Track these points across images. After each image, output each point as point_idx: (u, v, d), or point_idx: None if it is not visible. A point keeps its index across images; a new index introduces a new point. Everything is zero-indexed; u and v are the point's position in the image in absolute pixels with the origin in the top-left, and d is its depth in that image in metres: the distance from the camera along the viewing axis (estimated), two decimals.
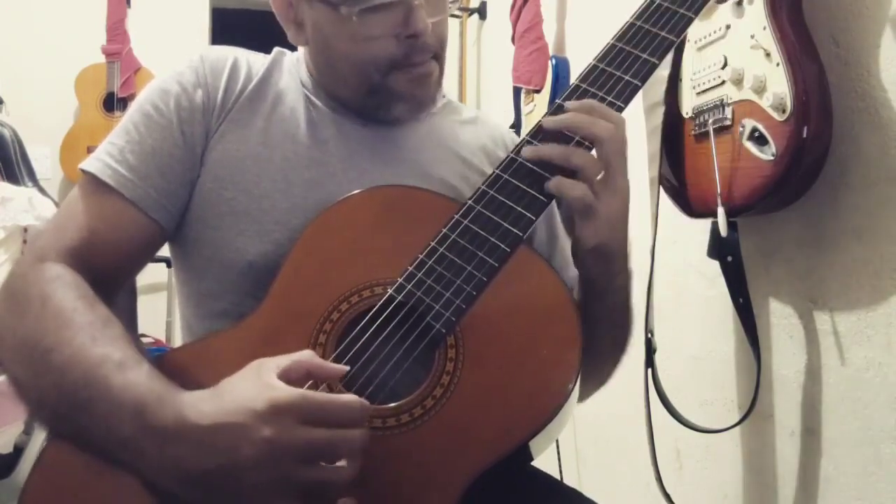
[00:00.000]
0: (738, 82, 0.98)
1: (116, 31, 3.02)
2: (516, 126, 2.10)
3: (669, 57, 1.07)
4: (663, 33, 0.76)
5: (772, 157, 0.92)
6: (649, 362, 1.15)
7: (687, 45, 1.10)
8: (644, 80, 0.75)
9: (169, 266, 2.48)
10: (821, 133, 0.92)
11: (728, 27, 1.01)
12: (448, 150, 0.89)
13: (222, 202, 0.79)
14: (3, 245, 1.86)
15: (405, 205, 0.77)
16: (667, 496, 1.17)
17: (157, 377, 0.62)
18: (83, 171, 0.78)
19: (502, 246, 0.70)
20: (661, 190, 1.13)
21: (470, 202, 0.73)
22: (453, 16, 2.83)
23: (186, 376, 0.65)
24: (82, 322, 0.66)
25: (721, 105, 1.01)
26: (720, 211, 1.00)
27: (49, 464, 0.69)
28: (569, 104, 0.74)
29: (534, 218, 0.71)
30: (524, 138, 0.75)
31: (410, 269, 0.70)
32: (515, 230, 0.70)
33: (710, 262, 1.08)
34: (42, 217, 1.94)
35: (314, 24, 0.82)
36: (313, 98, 0.87)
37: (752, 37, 0.95)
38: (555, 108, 0.76)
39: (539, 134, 0.75)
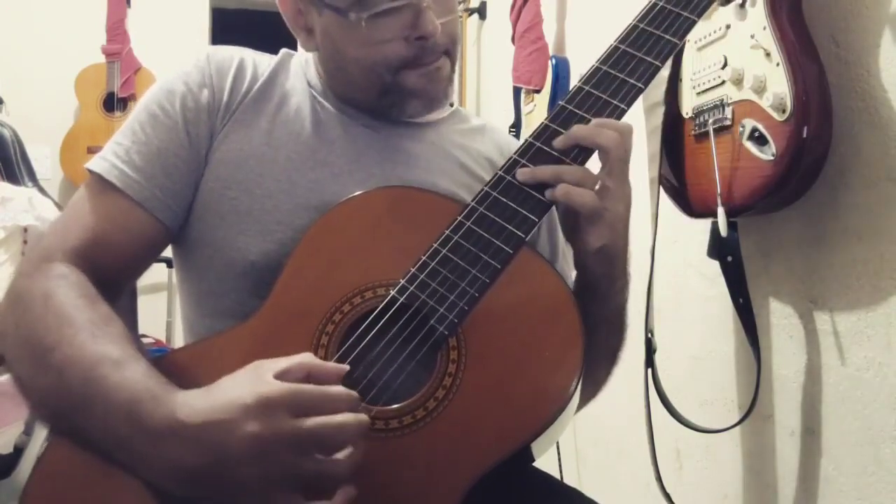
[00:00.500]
0: (738, 82, 0.98)
1: (116, 31, 3.02)
2: (516, 126, 2.10)
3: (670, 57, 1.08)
4: (667, 36, 0.76)
5: (772, 157, 0.93)
6: (649, 362, 1.15)
7: (687, 45, 1.10)
8: (647, 82, 0.75)
9: (169, 266, 2.48)
10: (821, 133, 0.92)
11: (728, 27, 1.01)
12: (453, 158, 0.89)
13: (225, 201, 0.79)
14: (3, 245, 1.86)
15: (408, 206, 0.77)
16: (667, 496, 1.17)
17: (154, 375, 0.62)
18: (89, 170, 0.79)
19: (505, 248, 0.70)
20: (661, 190, 1.14)
21: (473, 204, 0.73)
22: None
23: (187, 377, 0.65)
24: (83, 320, 0.66)
25: (721, 105, 1.01)
26: (720, 211, 1.00)
27: (49, 464, 0.69)
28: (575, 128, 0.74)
29: (536, 220, 0.71)
30: (527, 140, 0.75)
31: (413, 270, 0.70)
32: (518, 232, 0.70)
33: (710, 262, 1.08)
34: (42, 217, 1.94)
35: (323, 31, 0.82)
36: (321, 99, 0.87)
37: (753, 37, 0.95)
38: (557, 111, 0.76)
39: (535, 148, 0.74)
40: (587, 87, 0.76)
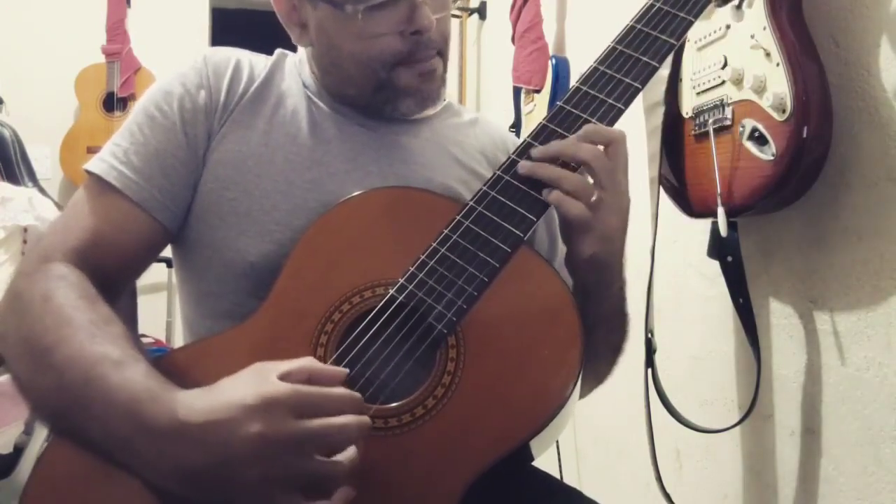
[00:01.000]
0: (738, 82, 0.98)
1: (116, 31, 3.02)
2: (516, 126, 2.10)
3: (669, 57, 1.08)
4: (664, 37, 0.76)
5: (772, 157, 0.93)
6: (649, 362, 1.15)
7: (687, 45, 1.10)
8: (644, 82, 0.75)
9: (169, 266, 2.48)
10: (821, 133, 0.92)
11: (728, 27, 1.01)
12: (448, 152, 0.89)
13: (224, 202, 0.80)
14: (3, 245, 1.86)
15: (406, 206, 0.77)
16: (667, 496, 1.17)
17: (154, 375, 0.62)
18: (88, 171, 0.79)
19: (503, 247, 0.70)
20: (661, 190, 1.14)
21: (471, 203, 0.73)
22: (453, 16, 2.83)
23: (187, 377, 0.65)
24: (83, 320, 0.66)
25: (721, 105, 1.01)
26: (720, 211, 1.00)
27: (49, 464, 0.69)
28: (546, 146, 0.73)
29: (535, 219, 0.71)
30: (525, 140, 0.75)
31: (412, 269, 0.71)
32: (516, 231, 0.71)
33: (710, 262, 1.08)
34: (42, 217, 1.93)
35: (318, 25, 0.82)
36: (315, 99, 0.87)
37: (752, 37, 0.95)
38: (556, 111, 0.76)
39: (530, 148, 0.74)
40: (585, 88, 0.76)
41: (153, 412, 0.59)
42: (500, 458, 0.65)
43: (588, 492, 0.85)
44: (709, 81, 1.04)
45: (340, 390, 0.60)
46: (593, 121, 0.74)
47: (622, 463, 1.59)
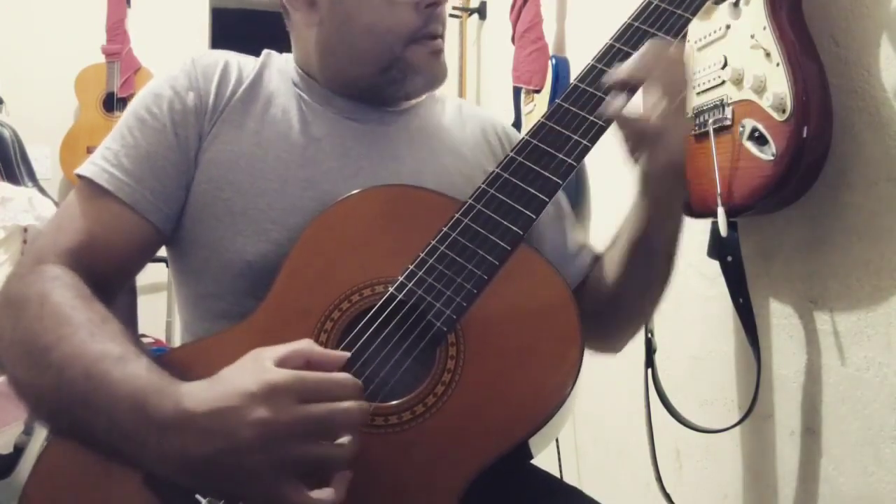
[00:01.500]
0: (738, 82, 0.98)
1: (116, 31, 3.02)
2: (516, 126, 2.10)
3: None
4: (661, 34, 0.76)
5: (772, 157, 0.93)
6: (649, 362, 1.16)
7: (687, 45, 1.10)
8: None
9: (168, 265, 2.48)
10: (821, 133, 0.92)
11: (728, 27, 1.01)
12: (438, 142, 0.90)
13: (218, 203, 0.80)
14: (3, 245, 1.86)
15: (405, 204, 0.77)
16: (667, 496, 1.17)
17: (156, 370, 0.63)
18: (79, 176, 0.79)
19: (502, 244, 0.70)
20: None
21: (470, 201, 0.73)
22: (453, 16, 2.84)
23: (187, 375, 0.65)
24: (81, 319, 0.66)
25: (721, 105, 1.01)
26: (720, 211, 1.00)
27: (49, 464, 0.69)
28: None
29: (534, 216, 0.71)
30: (524, 137, 0.76)
31: (411, 267, 0.71)
32: (515, 228, 0.71)
33: (710, 262, 1.08)
34: (42, 217, 1.94)
35: (332, 0, 0.83)
36: (305, 97, 0.87)
37: (752, 37, 0.95)
38: (553, 109, 0.76)
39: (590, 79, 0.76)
40: (583, 86, 0.76)
41: (157, 404, 0.59)
42: (500, 455, 0.65)
43: (588, 491, 0.85)
44: (709, 81, 1.04)
45: (342, 375, 0.61)
46: (593, 119, 0.74)
47: (622, 463, 1.59)
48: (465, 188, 0.76)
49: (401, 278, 0.70)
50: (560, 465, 1.71)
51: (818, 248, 0.98)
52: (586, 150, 0.73)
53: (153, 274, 2.85)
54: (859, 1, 0.92)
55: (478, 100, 2.94)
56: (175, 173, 0.80)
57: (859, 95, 0.92)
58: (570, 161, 0.73)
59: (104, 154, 0.79)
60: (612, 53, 0.76)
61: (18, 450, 1.67)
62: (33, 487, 0.68)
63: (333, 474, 0.60)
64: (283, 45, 0.95)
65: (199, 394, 0.59)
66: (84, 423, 0.62)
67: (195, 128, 0.81)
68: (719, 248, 1.05)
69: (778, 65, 0.92)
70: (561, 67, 1.87)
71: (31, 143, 2.38)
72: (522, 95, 2.07)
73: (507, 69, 2.13)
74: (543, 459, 0.77)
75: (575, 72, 1.83)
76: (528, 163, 0.74)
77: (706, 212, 1.05)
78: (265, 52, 0.92)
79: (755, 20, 0.96)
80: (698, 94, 1.07)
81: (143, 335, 2.62)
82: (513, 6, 2.10)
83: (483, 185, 0.74)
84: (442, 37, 0.86)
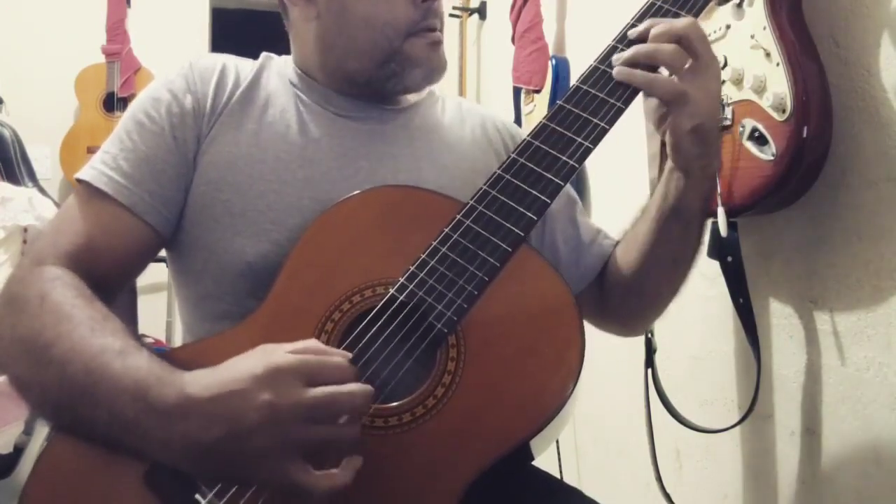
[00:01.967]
0: (738, 82, 0.98)
1: (116, 31, 3.02)
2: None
3: None
4: None
5: (772, 157, 0.93)
6: (649, 362, 1.16)
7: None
8: None
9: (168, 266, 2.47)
10: (821, 133, 0.92)
11: (728, 27, 1.01)
12: (437, 140, 0.90)
13: (217, 204, 0.80)
14: (3, 245, 1.86)
15: (407, 205, 0.77)
16: (667, 496, 1.17)
17: (157, 361, 0.63)
18: (78, 180, 0.79)
19: (504, 246, 0.70)
20: None
21: (472, 202, 0.73)
22: (453, 16, 2.84)
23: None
24: (81, 316, 0.66)
25: (721, 105, 1.01)
26: (720, 211, 1.00)
27: (49, 464, 0.69)
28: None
29: (535, 218, 0.71)
30: (525, 139, 0.75)
31: (412, 268, 0.71)
32: (517, 230, 0.71)
33: (710, 262, 1.08)
34: (42, 217, 1.94)
35: None
36: (304, 97, 0.87)
37: (752, 37, 0.95)
38: (555, 111, 0.76)
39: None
40: (585, 87, 0.76)
41: (159, 393, 0.60)
42: (501, 457, 0.65)
43: (588, 491, 0.85)
44: None
45: (343, 360, 0.62)
46: (595, 120, 0.74)
47: (622, 463, 1.59)
48: (466, 187, 0.76)
49: (401, 279, 0.70)
50: (560, 466, 1.71)
51: (818, 248, 0.98)
52: (588, 151, 0.73)
53: (153, 274, 2.83)
54: (859, 1, 0.92)
55: (478, 100, 2.94)
56: (174, 176, 0.80)
57: (859, 95, 0.92)
58: (571, 162, 0.73)
59: (103, 158, 0.80)
60: (614, 55, 0.76)
61: (18, 450, 1.67)
62: (33, 487, 0.68)
63: (341, 457, 0.60)
64: (282, 46, 0.95)
65: (202, 380, 0.60)
66: (86, 418, 0.62)
67: (193, 130, 0.82)
68: (719, 248, 1.05)
69: (778, 65, 0.92)
70: (561, 67, 1.87)
71: (31, 143, 2.38)
72: (522, 95, 2.07)
73: (507, 69, 2.13)
74: (543, 460, 0.77)
75: (575, 72, 1.84)
76: (529, 164, 0.74)
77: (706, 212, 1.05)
78: (263, 54, 0.92)
79: (755, 20, 0.96)
80: None
81: (143, 335, 2.61)
82: (513, 6, 2.10)
83: (485, 186, 0.74)
84: (440, 30, 0.86)
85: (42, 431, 1.67)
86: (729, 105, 1.00)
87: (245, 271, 0.79)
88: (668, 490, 1.17)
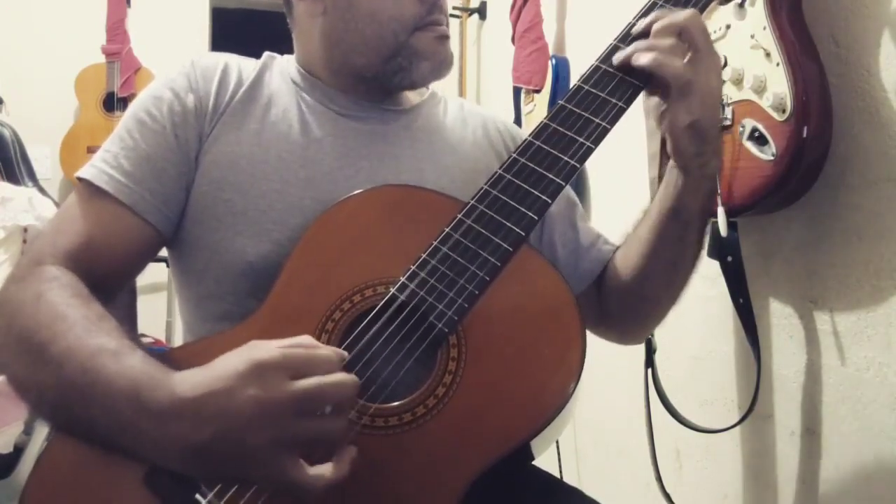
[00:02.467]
0: (738, 82, 0.98)
1: (116, 31, 3.02)
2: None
3: None
4: None
5: (772, 157, 0.93)
6: (649, 362, 1.16)
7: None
8: (645, 81, 0.75)
9: (170, 266, 2.47)
10: (821, 133, 0.92)
11: (728, 27, 1.01)
12: (440, 140, 0.90)
13: (219, 203, 0.80)
14: (3, 245, 1.86)
15: (407, 204, 0.77)
16: (667, 496, 1.17)
17: (151, 362, 0.63)
18: (79, 178, 0.79)
19: (505, 245, 0.70)
20: None
21: (473, 202, 0.73)
22: (453, 16, 2.84)
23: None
24: (77, 316, 0.66)
25: (721, 105, 1.01)
26: (720, 211, 1.00)
27: (49, 464, 0.69)
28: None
29: (536, 218, 0.71)
30: (526, 139, 0.75)
31: (413, 267, 0.71)
32: (518, 229, 0.71)
33: (710, 262, 1.08)
34: (42, 217, 1.94)
35: None
36: (307, 96, 0.87)
37: (752, 37, 0.96)
38: (556, 110, 0.76)
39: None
40: (586, 87, 0.76)
41: (152, 394, 0.59)
42: (501, 457, 0.65)
43: (588, 491, 0.85)
44: None
45: (326, 349, 0.61)
46: (596, 120, 0.74)
47: (622, 463, 1.59)
48: (467, 187, 0.76)
49: (402, 279, 0.70)
50: (560, 466, 1.71)
51: (818, 248, 0.98)
52: (589, 151, 0.73)
53: (153, 274, 2.84)
54: (859, 1, 0.92)
55: (478, 100, 2.94)
56: (175, 175, 0.80)
57: (859, 95, 0.92)
58: (573, 162, 0.73)
59: (104, 156, 0.79)
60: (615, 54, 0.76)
61: (18, 450, 1.67)
62: (33, 487, 0.68)
63: (333, 450, 0.60)
64: (283, 46, 0.95)
65: (190, 380, 0.59)
66: (83, 418, 0.62)
67: (195, 129, 0.81)
68: (719, 248, 1.05)
69: (778, 65, 0.92)
70: (561, 67, 1.87)
71: (31, 143, 2.38)
72: (522, 95, 2.07)
73: (507, 69, 2.13)
74: (543, 460, 0.77)
75: (575, 72, 1.84)
76: (530, 164, 0.73)
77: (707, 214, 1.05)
78: (266, 54, 0.92)
79: (755, 20, 0.96)
80: None
81: (143, 335, 2.61)
82: (513, 6, 2.10)
83: (486, 186, 0.74)
84: (446, 24, 0.86)
85: (42, 431, 1.67)
86: (729, 105, 1.00)
87: (246, 271, 0.78)
88: (668, 490, 1.17)
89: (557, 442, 1.65)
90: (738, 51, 0.99)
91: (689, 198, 0.78)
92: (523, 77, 2.01)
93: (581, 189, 1.76)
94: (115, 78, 3.00)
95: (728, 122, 1.00)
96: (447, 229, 0.72)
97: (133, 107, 0.83)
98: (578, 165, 0.73)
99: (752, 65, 0.96)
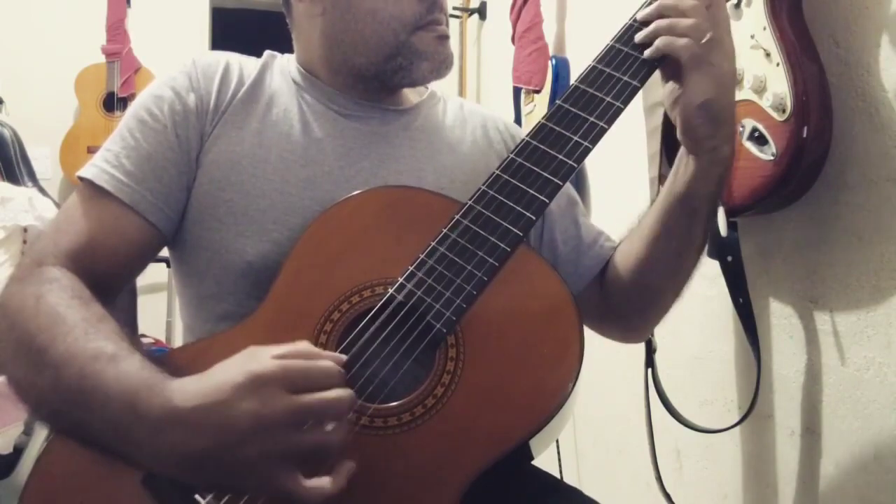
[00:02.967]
0: (738, 82, 0.98)
1: (116, 31, 3.01)
2: None
3: None
4: None
5: (772, 157, 0.93)
6: (649, 362, 1.16)
7: None
8: (643, 81, 0.75)
9: (169, 266, 2.47)
10: (821, 133, 0.92)
11: None
12: (440, 141, 0.90)
13: (220, 203, 0.80)
14: (3, 245, 1.86)
15: (406, 205, 0.77)
16: (667, 496, 1.17)
17: (149, 367, 0.62)
18: (80, 178, 0.79)
19: (502, 245, 0.70)
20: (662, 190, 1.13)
21: (470, 202, 0.73)
22: (453, 16, 2.84)
23: (186, 375, 0.65)
24: (76, 319, 0.66)
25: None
26: (720, 211, 1.00)
27: (49, 465, 0.69)
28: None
29: (534, 218, 0.71)
30: (524, 139, 0.75)
31: (411, 268, 0.71)
32: (515, 230, 0.70)
33: (710, 262, 1.08)
34: (42, 217, 1.94)
35: None
36: (307, 96, 0.87)
37: (752, 37, 0.95)
38: (554, 110, 0.76)
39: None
40: (584, 87, 0.76)
41: (149, 402, 0.59)
42: (500, 456, 0.65)
43: (588, 491, 0.84)
44: None
45: (326, 363, 0.61)
46: (594, 120, 0.73)
47: (622, 463, 1.59)
48: (466, 188, 0.76)
49: (400, 279, 0.70)
50: (560, 466, 1.71)
51: (818, 248, 0.98)
52: (587, 151, 0.73)
53: (153, 274, 2.84)
54: (859, 1, 0.92)
55: (478, 100, 2.94)
56: (176, 174, 0.80)
57: (859, 95, 0.91)
58: (570, 162, 0.73)
59: (105, 156, 0.79)
60: (613, 54, 0.76)
61: (18, 450, 1.67)
62: (33, 487, 0.68)
63: (331, 463, 0.60)
64: (283, 46, 0.95)
65: (187, 389, 0.59)
66: (82, 423, 0.62)
67: (196, 128, 0.81)
68: (719, 248, 1.05)
69: (778, 65, 0.92)
70: (561, 67, 1.87)
71: (31, 143, 2.38)
72: (522, 95, 2.07)
73: (507, 69, 2.13)
74: (543, 460, 0.77)
75: (575, 72, 1.84)
76: (528, 164, 0.73)
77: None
78: (267, 52, 0.92)
79: (755, 20, 0.95)
80: None
81: (143, 335, 2.61)
82: (513, 6, 2.10)
83: (483, 187, 0.74)
84: (446, 24, 0.86)
85: (42, 432, 1.67)
86: None
87: (246, 271, 0.78)
88: (668, 490, 1.17)
89: (557, 441, 1.65)
90: (738, 51, 0.98)
91: (699, 183, 0.77)
92: (523, 77, 2.01)
93: (581, 189, 1.76)
94: (115, 78, 3.00)
95: None
96: (445, 230, 0.72)
97: (134, 106, 0.82)
98: (576, 165, 0.73)
99: (752, 65, 0.96)
